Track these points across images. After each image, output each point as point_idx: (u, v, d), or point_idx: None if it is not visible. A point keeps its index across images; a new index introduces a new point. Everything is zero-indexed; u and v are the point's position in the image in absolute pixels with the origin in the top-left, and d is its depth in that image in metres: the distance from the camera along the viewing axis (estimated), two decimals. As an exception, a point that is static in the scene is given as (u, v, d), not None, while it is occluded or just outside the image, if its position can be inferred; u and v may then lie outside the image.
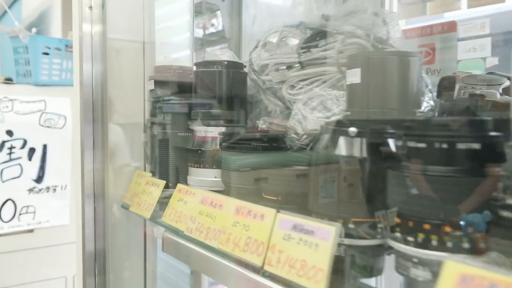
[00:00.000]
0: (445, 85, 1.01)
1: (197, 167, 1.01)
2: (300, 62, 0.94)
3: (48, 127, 2.15)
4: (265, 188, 0.82)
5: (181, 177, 1.08)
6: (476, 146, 0.55)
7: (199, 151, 1.00)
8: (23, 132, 2.10)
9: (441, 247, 0.55)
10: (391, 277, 0.74)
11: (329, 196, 0.68)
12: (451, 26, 1.27)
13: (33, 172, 2.14)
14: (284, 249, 0.70)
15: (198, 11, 1.84)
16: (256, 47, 1.04)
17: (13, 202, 2.09)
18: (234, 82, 1.01)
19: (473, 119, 0.59)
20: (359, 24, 0.89)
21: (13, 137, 2.07)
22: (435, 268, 0.55)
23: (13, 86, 2.13)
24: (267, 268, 0.71)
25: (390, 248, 0.65)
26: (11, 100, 2.06)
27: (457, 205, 0.54)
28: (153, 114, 1.19)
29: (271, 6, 1.07)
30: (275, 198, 0.80)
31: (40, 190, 2.16)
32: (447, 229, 0.54)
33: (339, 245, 0.65)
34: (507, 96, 0.96)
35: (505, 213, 0.51)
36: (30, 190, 2.14)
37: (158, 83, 1.18)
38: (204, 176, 1.00)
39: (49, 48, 2.16)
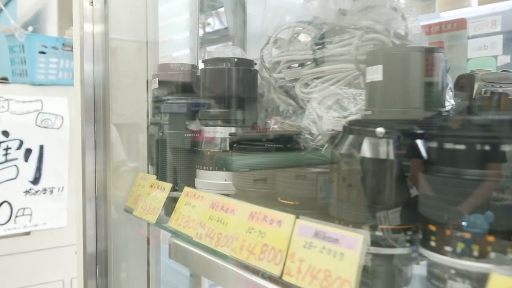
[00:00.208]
0: (463, 84, 0.98)
1: (206, 169, 0.96)
2: (314, 59, 0.90)
3: (45, 127, 2.10)
4: (281, 192, 0.77)
5: (188, 180, 1.03)
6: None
7: (208, 153, 0.95)
8: (19, 132, 2.05)
9: (484, 258, 0.50)
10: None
11: (353, 201, 0.64)
12: (461, 24, 1.24)
13: (30, 173, 2.10)
14: (305, 258, 0.65)
15: (199, 8, 1.80)
16: (267, 43, 1.00)
17: (9, 204, 2.05)
18: (245, 80, 0.97)
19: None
20: (377, 19, 0.85)
21: (9, 137, 2.03)
22: (476, 281, 0.51)
23: (9, 85, 2.09)
24: (286, 278, 0.67)
25: (420, 257, 0.61)
26: (7, 100, 2.02)
27: (503, 213, 0.49)
28: (157, 114, 1.15)
29: (282, 1, 1.03)
30: (292, 202, 0.75)
31: (36, 192, 2.12)
32: (490, 238, 0.50)
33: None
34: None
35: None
36: (27, 192, 2.09)
37: (163, 82, 1.13)
38: (213, 179, 0.96)
39: (46, 47, 2.13)
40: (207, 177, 0.97)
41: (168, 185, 1.05)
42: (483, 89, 0.93)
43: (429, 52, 0.72)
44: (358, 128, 0.64)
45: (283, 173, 0.78)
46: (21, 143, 2.06)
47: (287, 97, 0.96)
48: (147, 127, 1.28)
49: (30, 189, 2.10)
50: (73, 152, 2.10)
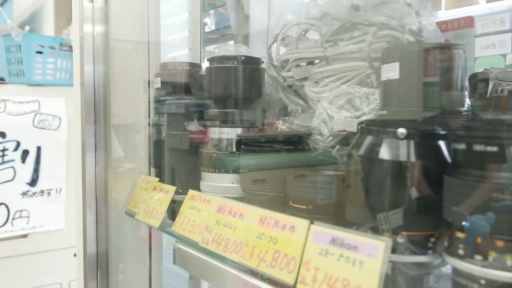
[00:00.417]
0: (476, 83, 0.95)
1: (211, 172, 0.93)
2: (325, 57, 0.86)
3: (42, 128, 2.08)
4: (293, 195, 0.74)
5: (192, 182, 1.00)
6: None
7: (214, 154, 0.92)
8: (16, 133, 2.02)
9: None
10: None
11: (372, 205, 0.60)
12: (468, 22, 1.20)
13: (27, 175, 2.07)
14: (321, 266, 0.62)
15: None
16: (275, 41, 0.96)
17: (6, 206, 2.02)
18: (252, 79, 0.93)
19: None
20: (391, 15, 0.81)
21: (6, 139, 2.00)
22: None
23: (6, 86, 2.07)
24: (300, 287, 0.63)
25: (443, 265, 0.58)
26: (4, 100, 1.99)
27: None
28: (159, 114, 1.11)
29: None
30: (304, 207, 0.72)
31: (34, 193, 2.09)
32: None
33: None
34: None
35: None
36: (24, 193, 2.07)
37: (165, 81, 1.10)
38: (219, 182, 0.92)
39: (43, 46, 2.11)
40: (213, 180, 0.93)
41: (172, 188, 1.02)
42: (499, 88, 0.90)
43: (449, 49, 0.68)
44: (377, 129, 0.61)
45: (295, 176, 0.74)
46: (18, 144, 2.03)
47: (296, 96, 0.93)
48: (149, 128, 1.25)
49: (27, 191, 2.07)
50: (71, 153, 2.08)
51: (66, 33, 2.17)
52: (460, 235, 0.52)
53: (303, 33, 0.94)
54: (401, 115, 0.69)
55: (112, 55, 1.27)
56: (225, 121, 0.93)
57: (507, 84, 0.92)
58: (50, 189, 2.12)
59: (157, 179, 1.10)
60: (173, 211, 1.03)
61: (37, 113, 2.06)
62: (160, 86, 1.11)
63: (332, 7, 0.84)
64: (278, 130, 0.91)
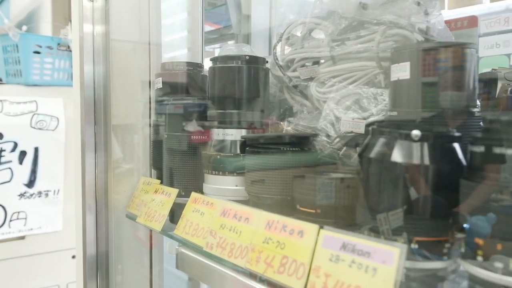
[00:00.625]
0: (483, 83, 0.93)
1: (215, 174, 0.91)
2: (332, 57, 0.84)
3: (40, 129, 2.06)
4: (301, 199, 0.72)
5: (195, 185, 0.98)
6: None
7: (218, 156, 0.90)
8: (14, 134, 2.00)
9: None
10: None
11: (384, 209, 0.58)
12: (472, 21, 1.18)
13: (24, 176, 2.05)
14: (332, 273, 0.59)
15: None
16: (280, 40, 0.94)
17: (3, 207, 2.00)
18: (257, 79, 0.91)
19: None
20: (399, 14, 0.80)
21: (3, 139, 1.98)
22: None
23: (3, 86, 2.05)
24: (310, 293, 0.61)
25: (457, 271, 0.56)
26: (1, 101, 1.98)
27: None
28: (160, 115, 1.09)
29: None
30: (312, 210, 0.70)
31: (31, 195, 2.07)
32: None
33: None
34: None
35: None
36: (21, 195, 2.05)
37: (167, 81, 1.08)
38: (222, 184, 0.90)
39: (41, 46, 2.09)
40: (217, 182, 0.91)
41: (174, 191, 0.99)
42: (509, 88, 0.89)
43: (461, 48, 0.66)
44: (390, 131, 0.59)
45: (303, 179, 0.72)
46: (16, 145, 2.01)
47: (301, 97, 0.91)
48: (150, 128, 1.23)
49: (24, 192, 2.05)
50: (69, 154, 2.06)
51: (64, 33, 2.16)
52: (479, 241, 0.50)
53: (308, 32, 0.92)
54: (412, 116, 0.67)
55: (112, 55, 1.26)
56: (229, 122, 0.91)
57: (517, 84, 0.91)
58: (47, 191, 2.10)
59: (159, 181, 1.08)
60: (174, 214, 1.01)
61: (34, 114, 2.04)
62: (161, 86, 1.09)
63: (339, 6, 0.83)
64: (283, 132, 0.89)
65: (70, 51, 2.14)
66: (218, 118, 0.92)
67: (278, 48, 0.95)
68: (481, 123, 0.61)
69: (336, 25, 0.84)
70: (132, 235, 1.37)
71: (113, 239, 1.29)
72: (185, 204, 0.94)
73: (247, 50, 0.96)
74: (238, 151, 0.90)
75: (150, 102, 1.25)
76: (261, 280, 0.71)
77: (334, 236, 0.61)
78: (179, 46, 1.77)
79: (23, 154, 2.03)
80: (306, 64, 0.90)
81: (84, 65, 1.21)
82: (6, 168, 2.00)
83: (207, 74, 0.97)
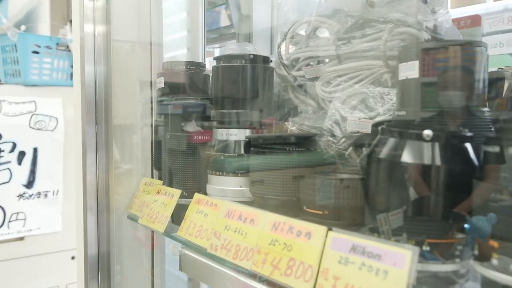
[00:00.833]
0: (491, 82, 0.92)
1: (219, 175, 0.89)
2: (338, 55, 0.83)
3: (38, 129, 2.05)
4: (307, 200, 0.71)
5: (198, 186, 0.97)
6: None
7: (222, 157, 0.88)
8: (13, 134, 1.99)
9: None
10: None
11: (395, 211, 0.57)
12: (475, 20, 1.17)
13: (23, 177, 2.04)
14: (341, 275, 0.58)
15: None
16: (284, 39, 0.93)
17: (2, 208, 1.99)
18: (261, 78, 0.90)
19: None
20: (406, 12, 0.78)
21: (2, 140, 1.97)
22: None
23: (1, 86, 2.04)
24: (318, 296, 0.60)
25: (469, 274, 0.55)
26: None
27: None
28: (162, 115, 1.08)
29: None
30: (320, 212, 0.68)
31: (30, 195, 2.06)
32: None
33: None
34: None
35: None
36: (20, 196, 2.04)
37: (169, 81, 1.07)
38: (226, 185, 0.89)
39: (39, 46, 2.08)
40: (221, 183, 0.90)
41: (177, 192, 0.98)
42: (517, 88, 0.87)
43: (471, 46, 0.65)
44: (401, 131, 0.57)
45: (310, 180, 0.71)
46: (14, 145, 2.00)
47: (306, 96, 0.90)
48: (151, 129, 1.22)
49: (23, 193, 2.04)
50: (68, 154, 2.05)
51: (62, 33, 2.15)
52: (494, 244, 0.49)
53: (313, 31, 0.90)
54: (421, 115, 0.66)
55: (114, 55, 1.25)
56: (233, 122, 0.90)
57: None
58: (47, 191, 2.09)
59: (161, 182, 1.07)
60: (176, 215, 0.99)
61: (33, 114, 2.03)
62: (163, 86, 1.08)
63: (345, 4, 0.81)
64: (288, 131, 0.87)
65: (69, 51, 2.13)
66: (222, 118, 0.91)
67: (283, 47, 0.94)
68: (491, 123, 0.60)
69: (341, 24, 0.83)
70: (133, 235, 1.36)
71: (114, 239, 1.28)
72: (188, 205, 0.93)
73: (250, 49, 0.95)
74: (242, 152, 0.89)
75: (151, 102, 1.23)
76: (270, 283, 0.69)
77: (343, 238, 0.60)
78: (179, 46, 1.76)
79: (22, 154, 2.02)
80: (311, 63, 0.89)
81: (85, 65, 1.20)
82: (5, 169, 1.98)
83: (209, 74, 0.96)
